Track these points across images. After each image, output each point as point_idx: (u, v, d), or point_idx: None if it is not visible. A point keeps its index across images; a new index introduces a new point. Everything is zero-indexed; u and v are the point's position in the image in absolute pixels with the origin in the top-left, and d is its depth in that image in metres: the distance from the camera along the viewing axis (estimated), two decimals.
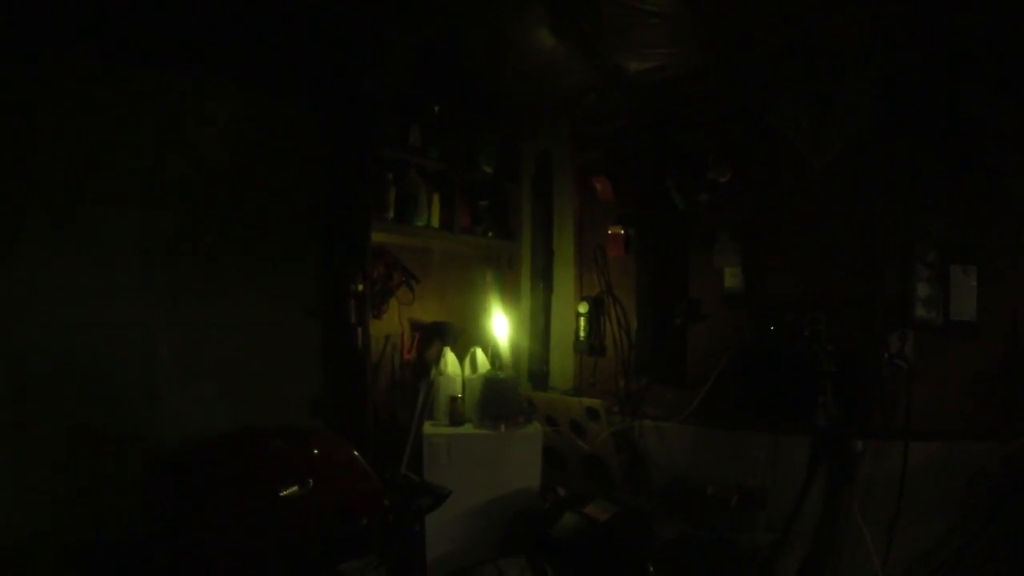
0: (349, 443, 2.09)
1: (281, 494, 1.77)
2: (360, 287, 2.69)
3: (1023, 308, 2.17)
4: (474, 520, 2.62)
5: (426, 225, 2.96)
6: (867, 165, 2.40)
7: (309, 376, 2.73)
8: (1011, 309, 2.17)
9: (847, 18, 2.25)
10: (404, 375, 3.08)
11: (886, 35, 2.28)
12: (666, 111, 2.89)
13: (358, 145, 2.71)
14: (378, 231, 2.76)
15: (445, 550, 2.58)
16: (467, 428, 2.80)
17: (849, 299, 2.39)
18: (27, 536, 1.91)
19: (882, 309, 2.33)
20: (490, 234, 3.30)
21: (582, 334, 3.17)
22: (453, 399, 2.86)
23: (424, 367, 3.13)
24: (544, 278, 3.40)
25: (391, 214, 2.80)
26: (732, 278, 2.65)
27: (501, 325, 3.21)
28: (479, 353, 3.07)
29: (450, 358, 3.00)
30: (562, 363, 3.33)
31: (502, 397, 2.84)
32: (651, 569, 2.00)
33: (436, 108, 2.97)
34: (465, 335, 3.30)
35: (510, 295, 3.43)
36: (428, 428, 2.77)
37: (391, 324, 3.05)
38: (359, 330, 2.71)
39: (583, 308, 3.14)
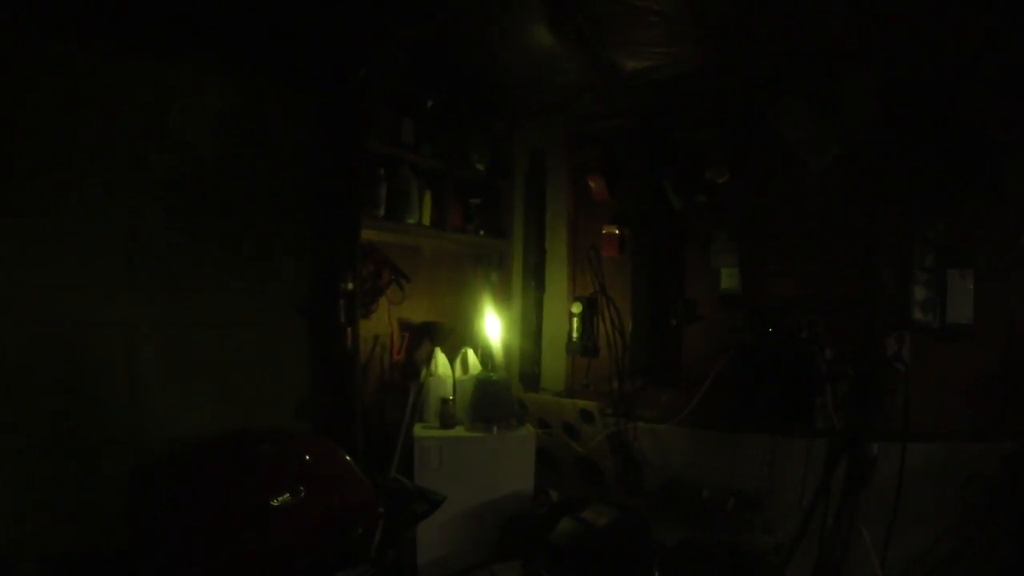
0: (341, 448, 2.01)
1: (272, 503, 1.68)
2: (350, 286, 2.62)
3: (1019, 311, 2.19)
4: (466, 524, 2.57)
5: (417, 223, 2.89)
6: (866, 168, 2.41)
7: (297, 377, 2.65)
8: (1007, 312, 2.20)
9: (847, 22, 2.24)
10: (393, 376, 3.02)
11: (885, 39, 2.27)
12: (664, 110, 2.87)
13: (349, 139, 2.63)
14: (368, 228, 2.69)
15: (437, 555, 2.53)
16: (459, 431, 2.75)
17: (847, 301, 2.39)
18: (3, 544, 1.83)
19: (880, 311, 2.33)
20: (482, 233, 3.25)
21: (575, 335, 3.12)
22: (444, 401, 2.80)
23: (414, 368, 3.07)
24: (536, 278, 3.36)
25: (382, 211, 2.73)
26: (729, 279, 2.64)
27: (493, 325, 3.16)
28: (470, 354, 3.01)
29: (440, 359, 2.95)
30: (554, 364, 3.29)
31: (494, 399, 2.80)
32: (656, 574, 1.96)
33: (429, 103, 2.91)
34: (455, 335, 3.24)
35: (501, 295, 3.37)
36: (419, 431, 2.71)
37: (380, 324, 2.98)
38: (349, 330, 2.63)
39: (577, 308, 3.10)
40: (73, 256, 2.03)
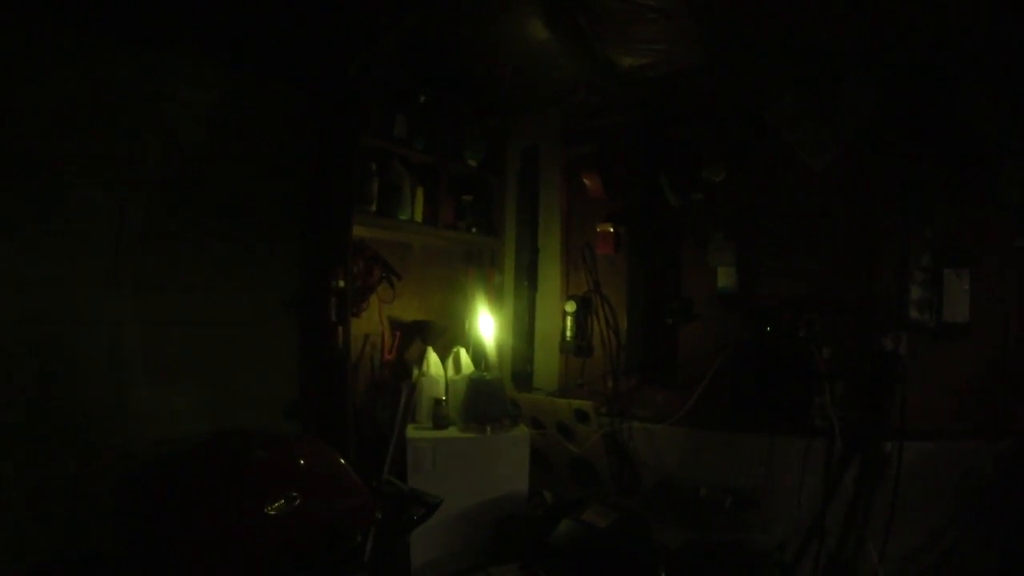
0: (336, 451, 1.94)
1: (267, 511, 1.61)
2: (341, 283, 2.55)
3: (1014, 311, 2.21)
4: (461, 526, 2.53)
5: (410, 219, 2.83)
6: (863, 168, 2.41)
7: (286, 376, 2.58)
8: (1002, 312, 2.22)
9: (846, 22, 2.24)
10: (383, 376, 2.95)
11: (885, 40, 2.28)
12: (661, 108, 2.84)
13: (342, 132, 2.57)
14: (360, 224, 2.62)
15: (431, 557, 2.48)
16: (452, 431, 2.71)
17: (844, 300, 2.39)
18: None
19: (877, 310, 2.34)
20: (474, 230, 3.20)
21: (569, 334, 3.09)
22: (437, 401, 2.75)
23: (405, 368, 3.01)
24: (529, 276, 3.31)
25: (374, 207, 2.66)
26: (726, 278, 2.62)
27: (486, 324, 3.11)
28: (462, 353, 2.96)
29: (432, 358, 2.89)
30: (547, 363, 3.25)
31: (488, 398, 2.76)
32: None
33: (422, 98, 2.86)
34: (447, 334, 3.19)
35: (493, 293, 3.33)
36: (411, 431, 2.66)
37: (371, 323, 2.91)
38: (340, 328, 2.57)
39: (571, 307, 3.07)
40: (55, 251, 1.95)
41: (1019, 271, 2.22)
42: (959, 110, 2.20)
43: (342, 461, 1.96)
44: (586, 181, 3.03)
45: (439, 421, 2.72)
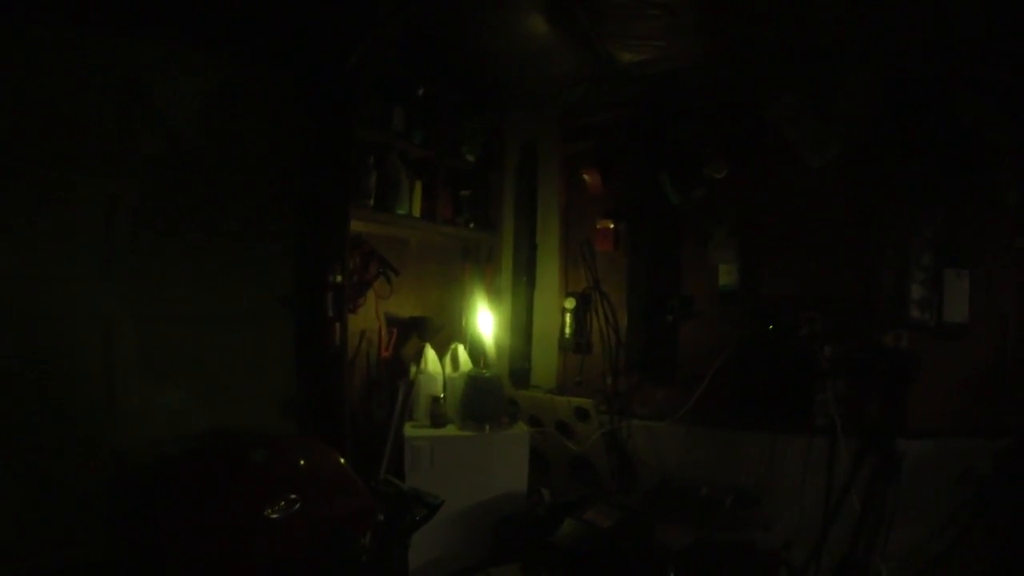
0: (336, 452, 1.91)
1: (266, 514, 1.58)
2: (339, 278, 2.50)
3: (1013, 311, 2.22)
4: (459, 526, 2.51)
5: (407, 214, 2.79)
6: (865, 167, 2.40)
7: (282, 373, 2.54)
8: (1001, 312, 2.23)
9: (847, 23, 2.23)
10: (380, 373, 2.91)
11: (885, 40, 2.27)
12: (661, 104, 2.82)
13: (339, 124, 2.51)
14: (357, 219, 2.57)
15: (430, 557, 2.45)
16: (450, 429, 2.69)
17: (845, 299, 2.39)
18: None
19: (877, 309, 2.34)
20: (471, 225, 3.16)
21: (568, 331, 3.07)
22: (435, 399, 2.72)
23: (402, 365, 2.97)
24: (527, 272, 3.29)
25: (371, 201, 2.62)
26: (727, 275, 2.61)
27: (484, 320, 3.08)
28: (460, 350, 2.93)
29: (430, 356, 2.86)
30: (544, 361, 3.23)
31: (486, 396, 2.73)
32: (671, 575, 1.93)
33: (420, 91, 2.81)
34: (445, 331, 3.16)
35: (491, 289, 3.30)
36: (408, 430, 2.63)
37: (367, 319, 2.87)
38: (337, 325, 2.52)
39: (570, 304, 3.04)
40: (45, 245, 1.88)
41: (1019, 271, 2.23)
42: (959, 110, 2.20)
43: (343, 462, 1.93)
44: (585, 177, 3.00)
45: (437, 419, 2.69)
